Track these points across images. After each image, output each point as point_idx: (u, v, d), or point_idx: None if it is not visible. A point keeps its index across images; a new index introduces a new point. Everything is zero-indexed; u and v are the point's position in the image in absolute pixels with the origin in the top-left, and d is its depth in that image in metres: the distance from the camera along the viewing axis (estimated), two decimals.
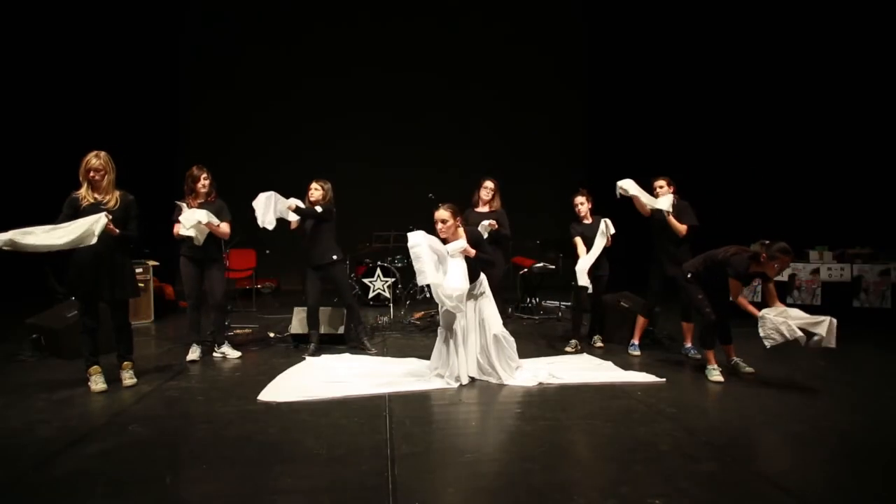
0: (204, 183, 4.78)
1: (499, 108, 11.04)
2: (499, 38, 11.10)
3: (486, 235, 5.11)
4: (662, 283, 5.13)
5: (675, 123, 9.77)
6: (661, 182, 5.11)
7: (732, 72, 8.97)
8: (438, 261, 4.04)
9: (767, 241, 4.18)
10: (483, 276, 4.37)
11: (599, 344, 5.45)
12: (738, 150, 8.93)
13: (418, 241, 3.93)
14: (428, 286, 4.13)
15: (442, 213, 4.21)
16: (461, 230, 4.28)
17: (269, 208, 4.82)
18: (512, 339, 4.36)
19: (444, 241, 4.24)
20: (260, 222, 4.80)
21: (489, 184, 5.54)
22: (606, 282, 5.42)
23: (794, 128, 8.39)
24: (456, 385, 4.10)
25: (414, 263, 3.94)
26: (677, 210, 5.00)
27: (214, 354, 5.02)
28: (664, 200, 4.99)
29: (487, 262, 4.35)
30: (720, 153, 9.06)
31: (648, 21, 10.12)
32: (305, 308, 5.35)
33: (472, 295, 4.26)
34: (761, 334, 4.08)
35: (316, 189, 5.16)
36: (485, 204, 5.54)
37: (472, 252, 4.18)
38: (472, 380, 4.23)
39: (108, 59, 9.26)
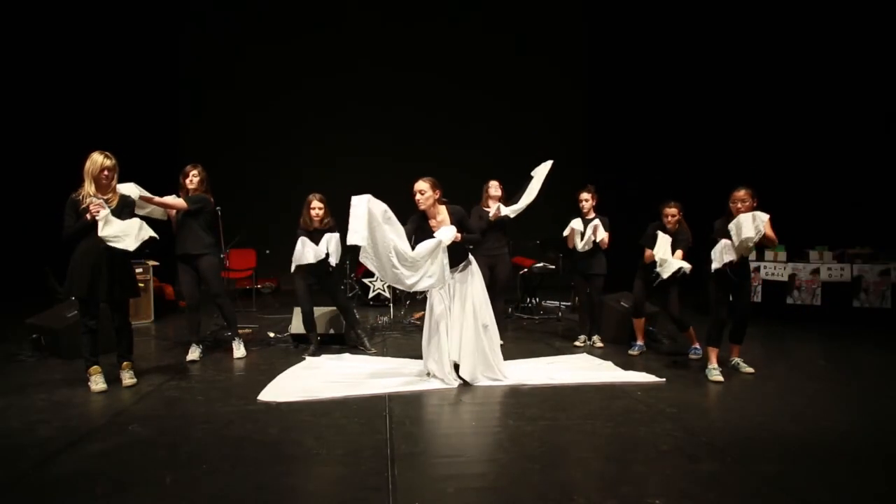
0: (192, 179, 4.79)
1: (499, 108, 11.03)
2: (499, 38, 11.10)
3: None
4: (642, 284, 5.15)
5: (674, 123, 9.77)
6: (674, 210, 5.00)
7: (732, 71, 8.97)
8: (391, 232, 3.79)
9: None
10: (472, 261, 4.33)
11: (599, 344, 5.45)
12: (737, 149, 8.93)
13: (359, 203, 3.68)
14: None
15: (420, 184, 4.13)
16: (443, 207, 4.20)
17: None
18: (498, 336, 4.37)
19: (424, 215, 4.18)
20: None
21: (494, 182, 5.62)
22: (603, 282, 5.43)
23: (793, 128, 8.39)
24: (455, 385, 4.10)
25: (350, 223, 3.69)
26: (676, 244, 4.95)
27: (233, 345, 5.04)
28: (674, 264, 4.75)
29: (474, 240, 4.38)
30: (720, 153, 9.06)
31: (648, 21, 10.12)
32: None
33: (457, 278, 4.23)
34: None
35: (320, 208, 5.10)
36: (495, 201, 5.57)
37: (460, 237, 4.13)
38: (465, 382, 4.19)
39: (108, 58, 9.27)
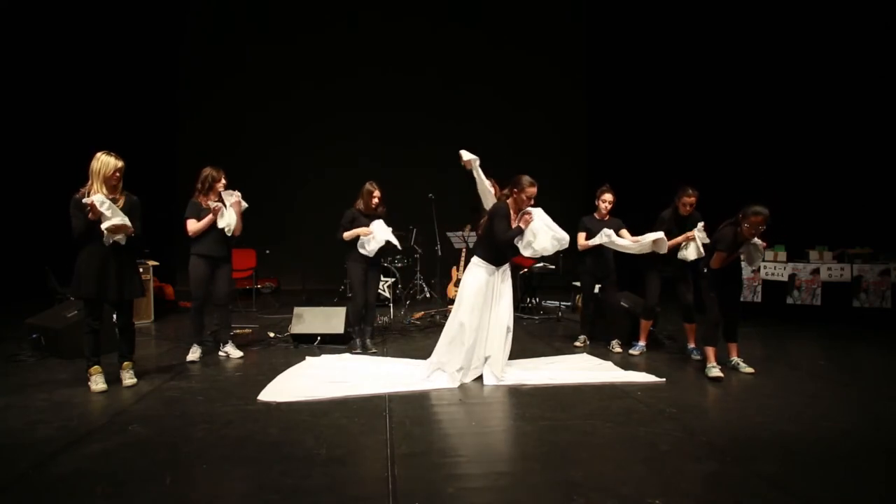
0: (224, 183, 4.88)
1: (499, 109, 11.05)
2: (500, 39, 11.11)
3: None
4: (659, 282, 5.12)
5: (675, 123, 9.77)
6: (692, 200, 4.94)
7: (732, 71, 8.97)
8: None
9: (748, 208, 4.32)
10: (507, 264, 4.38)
11: (618, 349, 5.29)
12: (738, 149, 8.93)
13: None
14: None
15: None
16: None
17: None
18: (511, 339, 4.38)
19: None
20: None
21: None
22: (614, 282, 5.39)
23: (794, 128, 8.39)
24: (457, 385, 4.10)
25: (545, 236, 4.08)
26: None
27: (220, 353, 5.04)
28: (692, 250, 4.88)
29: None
30: (720, 153, 9.06)
31: (648, 21, 10.12)
32: (337, 306, 5.48)
33: (499, 277, 4.28)
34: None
35: (377, 191, 5.30)
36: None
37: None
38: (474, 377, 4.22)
39: (109, 59, 9.27)
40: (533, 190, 4.12)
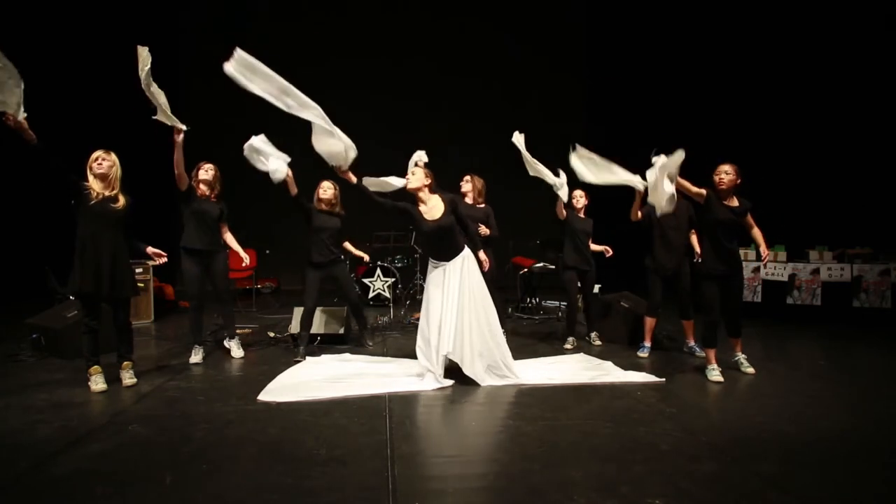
0: (206, 169, 4.92)
1: (498, 106, 11.03)
2: (499, 34, 11.11)
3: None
4: (661, 280, 5.10)
5: (674, 122, 9.75)
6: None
7: (733, 70, 8.96)
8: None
9: None
10: (469, 254, 4.29)
11: (598, 342, 5.46)
12: (738, 149, 8.91)
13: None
14: None
15: (413, 167, 4.48)
16: (435, 196, 4.29)
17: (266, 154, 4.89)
18: (502, 333, 4.39)
19: (414, 201, 4.31)
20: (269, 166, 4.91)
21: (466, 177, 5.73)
22: (594, 277, 5.54)
23: (794, 127, 8.39)
24: (446, 382, 4.09)
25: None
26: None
27: (225, 343, 5.07)
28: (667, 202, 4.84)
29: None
30: (720, 152, 9.04)
31: (649, 19, 10.12)
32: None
33: (451, 269, 4.23)
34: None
35: (329, 188, 5.23)
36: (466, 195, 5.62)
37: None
38: (463, 377, 4.19)
39: (109, 57, 9.25)
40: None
